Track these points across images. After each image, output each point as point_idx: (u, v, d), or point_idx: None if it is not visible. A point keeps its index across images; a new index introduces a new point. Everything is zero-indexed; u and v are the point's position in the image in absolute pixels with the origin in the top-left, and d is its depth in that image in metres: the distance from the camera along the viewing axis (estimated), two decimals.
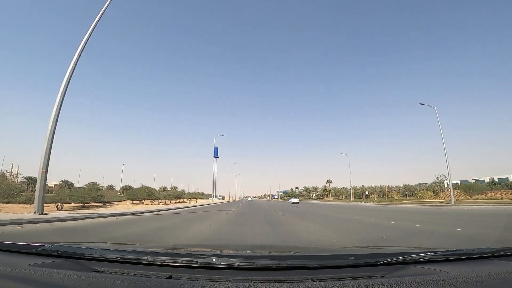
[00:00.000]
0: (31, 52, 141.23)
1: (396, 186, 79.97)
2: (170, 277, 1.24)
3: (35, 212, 10.50)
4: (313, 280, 1.23)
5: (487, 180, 64.15)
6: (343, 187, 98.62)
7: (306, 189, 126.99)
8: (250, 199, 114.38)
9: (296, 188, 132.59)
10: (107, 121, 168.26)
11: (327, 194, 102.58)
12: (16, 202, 17.56)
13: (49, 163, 11.24)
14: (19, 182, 43.14)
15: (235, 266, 1.39)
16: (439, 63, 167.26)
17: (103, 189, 35.16)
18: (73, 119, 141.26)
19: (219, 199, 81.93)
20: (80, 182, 66.44)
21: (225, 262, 1.44)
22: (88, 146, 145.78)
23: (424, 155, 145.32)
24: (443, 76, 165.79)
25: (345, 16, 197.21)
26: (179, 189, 76.37)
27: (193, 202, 46.74)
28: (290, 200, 61.79)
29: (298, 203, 48.74)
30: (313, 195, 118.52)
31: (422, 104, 34.25)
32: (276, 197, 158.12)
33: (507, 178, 59.33)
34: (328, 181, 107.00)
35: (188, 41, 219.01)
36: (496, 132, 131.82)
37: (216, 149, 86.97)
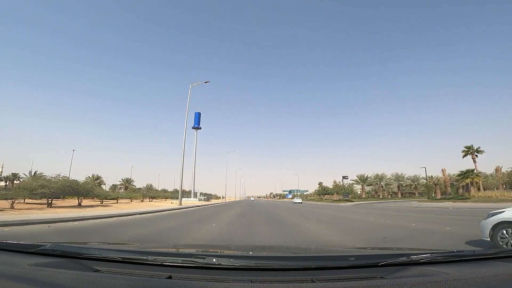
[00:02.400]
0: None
1: None
2: (170, 277, 1.24)
3: None
4: (313, 281, 1.23)
5: None
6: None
7: (362, 179, 68.90)
8: (253, 199, 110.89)
9: (345, 178, 69.19)
10: (109, 119, 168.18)
11: (474, 184, 42.45)
12: None
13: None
14: None
15: (235, 266, 1.39)
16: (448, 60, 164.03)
17: None
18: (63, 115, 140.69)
19: (199, 199, 49.12)
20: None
21: (225, 262, 1.44)
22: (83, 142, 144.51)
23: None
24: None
25: (348, 13, 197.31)
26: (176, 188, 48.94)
27: (129, 208, 21.17)
28: (293, 200, 62.15)
29: (300, 202, 51.66)
30: (381, 188, 64.26)
31: None
32: (290, 196, 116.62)
33: None
34: (472, 150, 45.46)
35: (190, 38, 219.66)
36: None
37: (197, 116, 52.35)
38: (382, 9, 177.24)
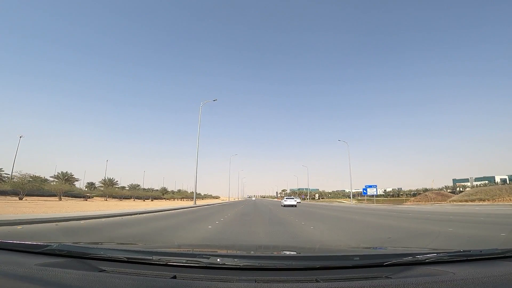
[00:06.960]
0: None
1: None
2: (174, 277, 1.25)
3: None
4: (317, 281, 1.23)
5: None
6: None
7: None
8: (254, 199, 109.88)
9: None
10: (115, 121, 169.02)
11: None
12: None
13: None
14: None
15: (239, 266, 1.39)
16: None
17: None
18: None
19: None
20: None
21: (229, 262, 1.44)
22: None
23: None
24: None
25: (351, 14, 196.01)
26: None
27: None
28: (282, 201, 35.91)
29: (298, 202, 41.13)
30: None
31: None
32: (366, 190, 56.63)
33: None
34: None
35: (195, 42, 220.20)
36: None
37: None
38: (387, 10, 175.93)
